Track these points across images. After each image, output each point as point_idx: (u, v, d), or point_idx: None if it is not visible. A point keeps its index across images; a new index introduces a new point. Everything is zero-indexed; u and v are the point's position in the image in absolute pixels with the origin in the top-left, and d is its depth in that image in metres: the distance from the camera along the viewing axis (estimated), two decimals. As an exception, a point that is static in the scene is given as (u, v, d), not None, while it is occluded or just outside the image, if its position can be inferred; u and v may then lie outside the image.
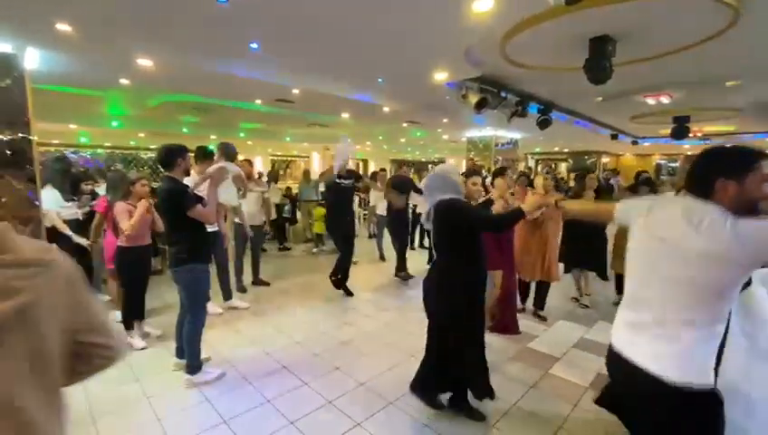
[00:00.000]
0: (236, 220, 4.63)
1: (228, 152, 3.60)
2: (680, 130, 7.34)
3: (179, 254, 2.61)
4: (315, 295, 4.61)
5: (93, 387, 2.68)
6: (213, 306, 4.07)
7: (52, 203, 3.53)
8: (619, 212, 1.49)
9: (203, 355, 2.86)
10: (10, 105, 2.75)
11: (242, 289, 4.70)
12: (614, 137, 9.88)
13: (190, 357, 2.72)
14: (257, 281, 4.97)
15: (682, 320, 1.18)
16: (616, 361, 1.33)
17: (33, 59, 3.06)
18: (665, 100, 5.57)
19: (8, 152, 2.77)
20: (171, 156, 2.60)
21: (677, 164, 16.01)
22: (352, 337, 3.56)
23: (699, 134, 10.11)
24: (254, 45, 3.33)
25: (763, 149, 1.21)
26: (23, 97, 2.81)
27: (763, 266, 1.13)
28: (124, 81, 4.34)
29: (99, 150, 12.18)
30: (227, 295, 4.21)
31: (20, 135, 2.79)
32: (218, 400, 2.56)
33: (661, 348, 1.20)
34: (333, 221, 4.66)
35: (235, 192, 2.86)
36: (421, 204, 6.08)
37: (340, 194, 4.52)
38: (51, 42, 2.92)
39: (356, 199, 8.22)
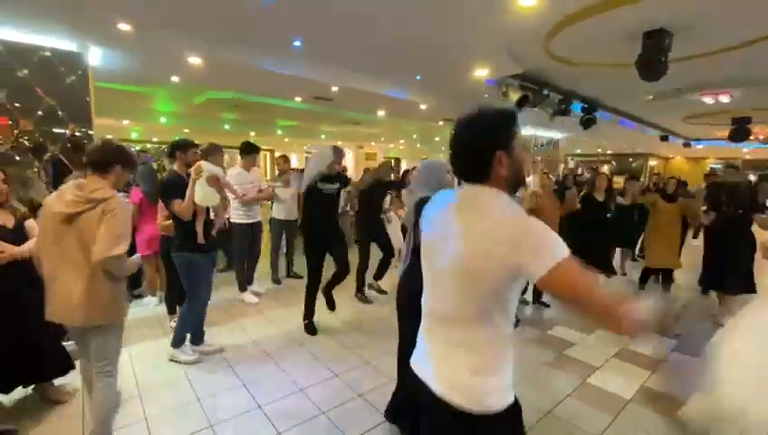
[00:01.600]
0: (273, 215, 4.78)
1: (207, 151, 3.23)
2: (740, 132, 6.81)
3: (176, 240, 2.79)
4: (348, 290, 4.65)
5: (140, 367, 2.86)
6: (249, 296, 4.24)
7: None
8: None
9: (216, 346, 3.10)
10: (74, 101, 2.95)
11: (276, 281, 4.85)
12: (664, 138, 9.31)
13: (178, 330, 2.91)
14: (291, 274, 5.10)
15: (471, 333, 0.99)
16: (413, 376, 1.14)
17: (95, 58, 3.27)
18: (724, 99, 5.18)
19: (68, 145, 2.97)
20: (173, 148, 2.87)
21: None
22: (385, 333, 3.57)
23: (761, 136, 9.33)
24: (297, 43, 3.41)
25: (513, 108, 1.05)
26: (86, 94, 3.00)
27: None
28: (174, 78, 4.58)
29: (147, 145, 12.95)
30: (242, 287, 4.31)
31: (82, 130, 3.00)
32: (254, 385, 2.65)
33: (455, 369, 1.01)
34: (311, 234, 3.41)
35: (212, 192, 2.83)
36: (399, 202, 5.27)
37: (321, 201, 3.34)
38: (112, 41, 3.13)
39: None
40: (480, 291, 0.95)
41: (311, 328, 3.50)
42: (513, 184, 1.01)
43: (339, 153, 3.38)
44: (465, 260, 0.95)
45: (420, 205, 1.85)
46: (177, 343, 2.94)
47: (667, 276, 4.62)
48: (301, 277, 5.07)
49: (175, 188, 2.69)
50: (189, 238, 2.75)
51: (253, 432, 2.20)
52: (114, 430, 2.16)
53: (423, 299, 1.16)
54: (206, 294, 2.96)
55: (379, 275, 4.55)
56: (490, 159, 0.96)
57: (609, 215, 4.81)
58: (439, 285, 1.06)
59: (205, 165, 2.76)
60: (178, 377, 2.73)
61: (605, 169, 17.01)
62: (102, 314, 1.80)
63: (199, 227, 2.78)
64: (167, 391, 2.56)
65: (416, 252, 1.95)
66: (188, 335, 3.03)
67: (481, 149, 0.98)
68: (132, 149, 3.22)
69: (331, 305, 3.67)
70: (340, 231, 3.59)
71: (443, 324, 1.06)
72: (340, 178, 3.46)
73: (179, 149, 2.84)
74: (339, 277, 3.62)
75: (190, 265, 2.81)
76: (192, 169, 2.75)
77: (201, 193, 2.71)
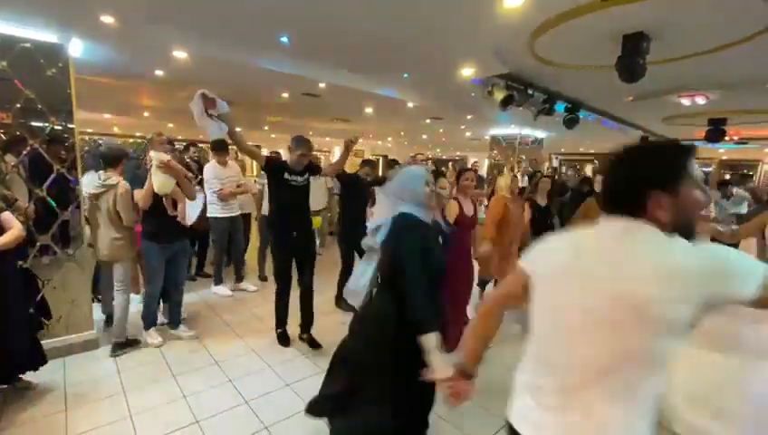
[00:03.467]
0: (264, 213, 4.76)
1: (150, 141, 3.43)
2: (716, 133, 7.05)
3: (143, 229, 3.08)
4: (333, 286, 4.67)
5: (124, 364, 2.84)
6: (221, 289, 4.32)
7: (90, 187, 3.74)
8: (526, 272, 1.04)
9: (191, 332, 3.30)
10: (55, 94, 2.87)
11: (263, 278, 4.84)
12: (644, 139, 9.57)
13: (144, 316, 3.19)
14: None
15: (608, 393, 0.85)
16: None
17: (77, 50, 3.19)
18: (700, 101, 5.36)
19: (47, 138, 2.90)
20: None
21: (711, 169, 15.37)
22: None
23: (736, 138, 9.68)
24: (284, 39, 3.40)
25: (691, 143, 0.93)
26: (67, 86, 2.93)
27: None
28: (159, 72, 4.49)
29: (130, 140, 12.66)
30: (217, 280, 4.43)
31: (63, 124, 2.92)
32: (240, 381, 2.66)
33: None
34: (281, 231, 3.06)
35: (166, 179, 2.84)
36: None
37: (290, 194, 2.99)
38: (95, 34, 3.06)
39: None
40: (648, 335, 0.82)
41: (283, 338, 3.21)
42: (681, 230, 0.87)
43: (305, 144, 2.97)
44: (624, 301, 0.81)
45: (402, 224, 1.65)
46: (147, 325, 3.17)
47: None
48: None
49: (136, 179, 2.96)
50: (153, 229, 3.00)
51: (239, 427, 2.22)
52: (100, 426, 2.16)
53: (542, 349, 0.99)
54: (160, 282, 3.13)
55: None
56: (643, 197, 0.86)
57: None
58: (585, 327, 0.88)
59: (153, 154, 2.88)
60: (164, 374, 2.72)
61: (588, 168, 17.38)
62: (120, 255, 2.95)
63: (168, 206, 2.96)
64: (152, 388, 2.55)
65: (387, 281, 1.70)
66: (158, 319, 3.26)
67: (631, 184, 0.89)
68: (116, 144, 3.27)
69: (315, 345, 3.17)
70: (311, 236, 3.26)
71: (592, 381, 0.87)
72: (310, 168, 3.07)
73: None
74: (306, 306, 3.19)
75: (148, 253, 3.04)
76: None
77: (157, 182, 2.84)
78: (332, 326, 3.51)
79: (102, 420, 2.22)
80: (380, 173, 5.99)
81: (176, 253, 3.15)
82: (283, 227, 3.03)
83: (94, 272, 3.88)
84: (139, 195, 2.88)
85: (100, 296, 3.90)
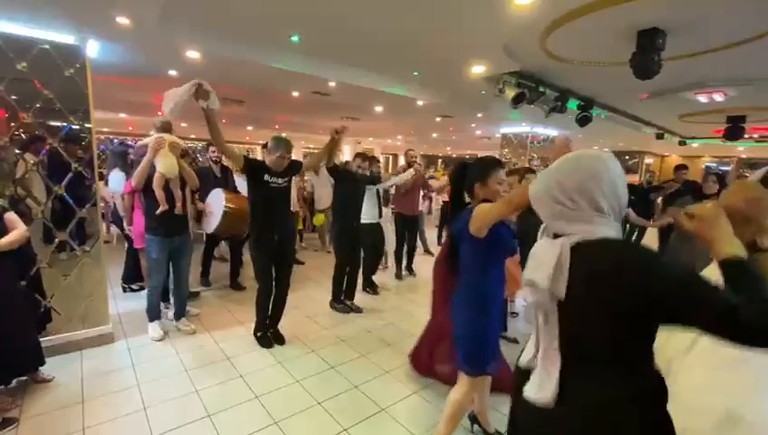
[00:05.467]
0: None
1: (163, 124, 3.32)
2: (734, 131, 6.86)
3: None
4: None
5: (139, 358, 2.90)
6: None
7: (118, 185, 3.92)
8: None
9: (191, 327, 3.33)
10: (72, 94, 2.94)
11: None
12: (659, 136, 9.36)
13: (147, 309, 3.25)
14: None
15: None
16: None
17: (92, 50, 3.26)
18: (718, 97, 5.22)
19: (65, 137, 2.97)
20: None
21: (729, 168, 14.98)
22: (382, 326, 3.62)
23: (755, 135, 9.41)
24: (295, 38, 3.42)
25: None
26: (84, 86, 2.99)
27: None
28: (173, 72, 4.56)
29: (144, 139, 12.87)
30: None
31: (80, 123, 2.98)
32: (251, 377, 2.70)
33: None
34: (262, 234, 2.96)
35: (174, 161, 2.98)
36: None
37: (271, 196, 2.91)
38: (110, 34, 3.13)
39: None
40: None
41: (264, 340, 3.14)
42: None
43: (285, 146, 2.89)
44: None
45: (601, 263, 0.89)
46: (150, 318, 3.24)
47: None
48: (302, 263, 5.19)
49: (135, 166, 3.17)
50: (152, 220, 3.07)
51: (249, 422, 2.25)
52: (115, 418, 2.22)
53: None
54: (162, 276, 3.21)
55: (349, 294, 4.01)
56: None
57: None
58: None
59: (166, 136, 3.02)
60: (177, 369, 2.77)
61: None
62: None
63: (158, 193, 2.98)
64: (165, 383, 2.60)
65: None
66: (165, 313, 3.37)
67: None
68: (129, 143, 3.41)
69: (279, 340, 3.19)
70: (291, 240, 3.27)
71: None
72: (291, 168, 2.99)
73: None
74: (279, 304, 3.18)
75: (149, 246, 3.14)
76: (154, 142, 2.98)
77: (167, 163, 2.99)
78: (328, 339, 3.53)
79: (117, 413, 2.27)
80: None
81: (177, 247, 3.20)
82: (263, 229, 2.95)
83: (130, 263, 4.02)
84: (132, 176, 3.04)
85: (129, 286, 4.06)
